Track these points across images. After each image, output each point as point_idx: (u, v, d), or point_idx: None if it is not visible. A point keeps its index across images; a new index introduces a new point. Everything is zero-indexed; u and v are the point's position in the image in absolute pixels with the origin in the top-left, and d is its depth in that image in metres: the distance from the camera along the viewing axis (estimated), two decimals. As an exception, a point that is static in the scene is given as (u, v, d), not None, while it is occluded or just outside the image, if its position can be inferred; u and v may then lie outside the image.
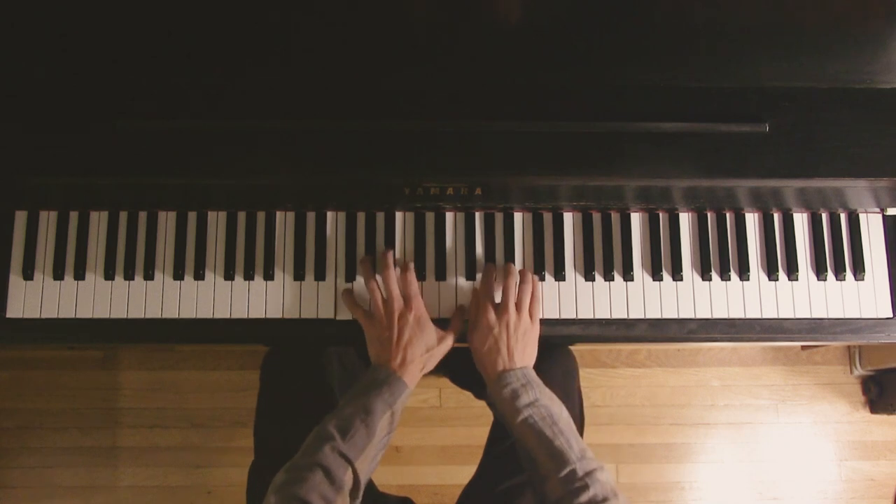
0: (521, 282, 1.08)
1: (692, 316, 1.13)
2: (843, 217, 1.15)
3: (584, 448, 0.95)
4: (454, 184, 1.04)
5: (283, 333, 1.12)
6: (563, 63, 1.00)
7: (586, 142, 0.99)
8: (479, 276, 1.13)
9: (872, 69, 0.99)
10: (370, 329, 1.06)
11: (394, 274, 1.07)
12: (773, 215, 1.15)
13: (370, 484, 1.21)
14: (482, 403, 1.43)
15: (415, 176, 1.02)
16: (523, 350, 1.04)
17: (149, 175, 1.01)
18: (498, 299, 1.09)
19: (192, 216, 1.13)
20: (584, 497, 0.89)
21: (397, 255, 1.13)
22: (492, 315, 1.06)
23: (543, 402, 0.99)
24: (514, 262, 1.13)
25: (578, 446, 0.95)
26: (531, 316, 1.07)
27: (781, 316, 1.13)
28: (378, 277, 1.09)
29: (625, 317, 1.13)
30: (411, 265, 1.09)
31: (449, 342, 1.09)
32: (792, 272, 1.14)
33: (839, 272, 1.14)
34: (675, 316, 1.13)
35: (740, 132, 0.99)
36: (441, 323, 1.10)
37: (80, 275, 1.11)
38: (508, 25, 0.98)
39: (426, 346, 1.05)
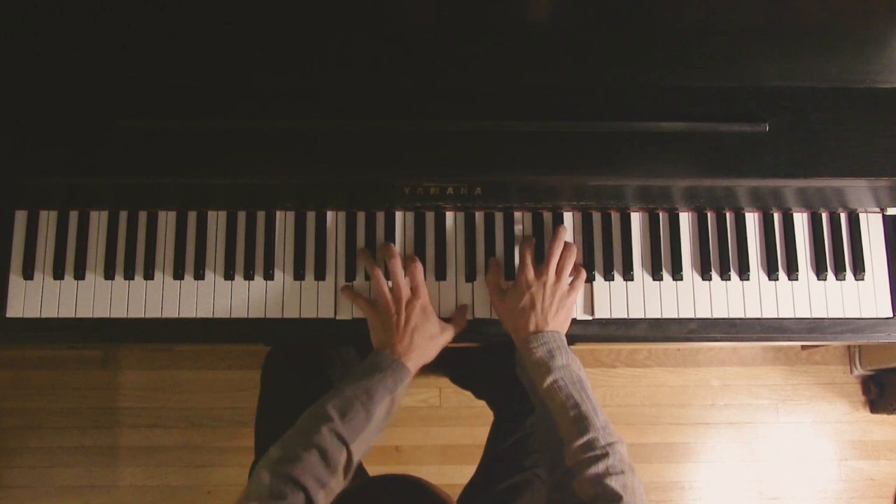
0: (566, 250, 1.08)
1: (692, 316, 1.13)
2: (843, 217, 1.15)
3: (608, 420, 0.94)
4: (454, 183, 1.04)
5: (283, 333, 1.12)
6: (563, 63, 0.99)
7: (586, 142, 0.99)
8: (479, 276, 1.13)
9: (872, 69, 0.99)
10: (374, 317, 1.07)
11: (399, 262, 1.08)
12: (773, 215, 1.15)
13: (360, 469, 1.21)
14: (482, 403, 1.44)
15: (415, 175, 1.02)
16: (556, 314, 1.04)
17: (149, 175, 1.01)
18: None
19: (192, 216, 1.13)
20: (602, 465, 0.87)
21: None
22: (531, 273, 1.06)
23: (575, 367, 0.99)
24: (513, 262, 1.13)
25: (603, 416, 0.94)
26: (572, 286, 1.07)
27: (781, 316, 1.13)
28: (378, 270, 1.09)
29: (625, 316, 1.12)
30: (416, 257, 1.10)
31: (450, 334, 1.08)
32: (792, 272, 1.14)
33: (839, 272, 1.14)
34: (675, 316, 1.13)
35: (740, 132, 0.99)
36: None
37: (80, 274, 1.11)
38: (508, 26, 0.98)
39: (430, 335, 1.05)
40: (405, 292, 1.06)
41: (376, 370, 0.99)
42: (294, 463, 0.87)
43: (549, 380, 0.96)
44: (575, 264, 1.09)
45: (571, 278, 1.08)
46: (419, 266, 1.08)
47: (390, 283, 1.08)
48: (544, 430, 0.97)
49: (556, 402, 0.95)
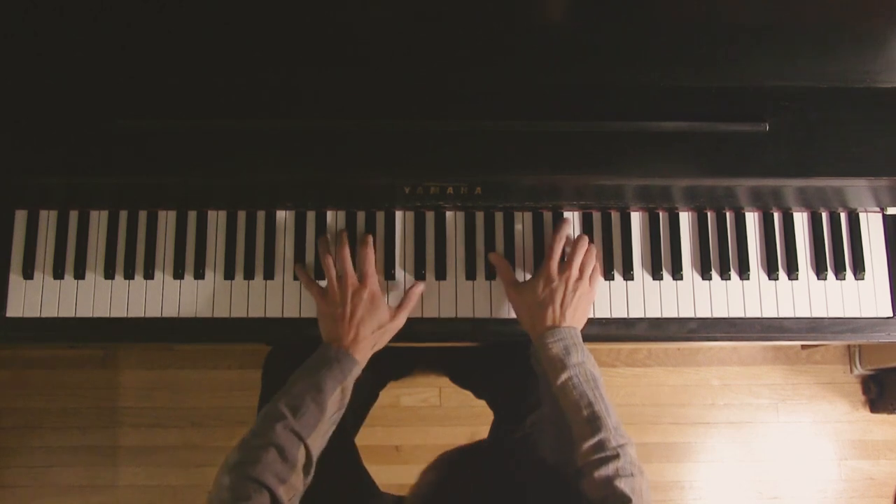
0: (588, 252, 1.09)
1: (692, 315, 1.13)
2: (843, 216, 1.16)
3: (619, 421, 0.95)
4: (454, 183, 1.04)
5: (283, 333, 1.12)
6: (563, 63, 1.00)
7: (586, 142, 0.99)
8: (479, 276, 1.13)
9: (872, 69, 1.00)
10: (323, 306, 1.06)
11: (348, 251, 1.08)
12: (773, 214, 1.15)
13: (369, 482, 1.21)
14: (482, 403, 1.44)
15: (415, 175, 1.02)
16: (574, 311, 1.04)
17: (149, 175, 1.01)
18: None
19: (192, 215, 1.13)
20: (613, 466, 0.89)
21: (397, 255, 1.13)
22: (555, 267, 1.06)
23: (589, 365, 0.99)
24: (513, 261, 1.13)
25: (615, 416, 0.95)
26: (591, 282, 1.08)
27: (781, 315, 1.13)
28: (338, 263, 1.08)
29: (625, 316, 1.13)
30: (369, 240, 1.09)
31: (401, 320, 1.08)
32: (792, 271, 1.14)
33: (839, 271, 1.14)
34: (676, 315, 1.13)
35: (740, 131, 0.99)
36: (442, 323, 1.10)
37: (80, 274, 1.11)
38: (507, 27, 0.98)
39: (378, 324, 1.05)
40: (352, 282, 1.06)
41: (324, 363, 0.99)
42: (254, 464, 0.87)
43: (563, 377, 0.97)
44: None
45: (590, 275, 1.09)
46: (370, 252, 1.08)
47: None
48: (554, 427, 0.98)
49: (570, 399, 0.96)
